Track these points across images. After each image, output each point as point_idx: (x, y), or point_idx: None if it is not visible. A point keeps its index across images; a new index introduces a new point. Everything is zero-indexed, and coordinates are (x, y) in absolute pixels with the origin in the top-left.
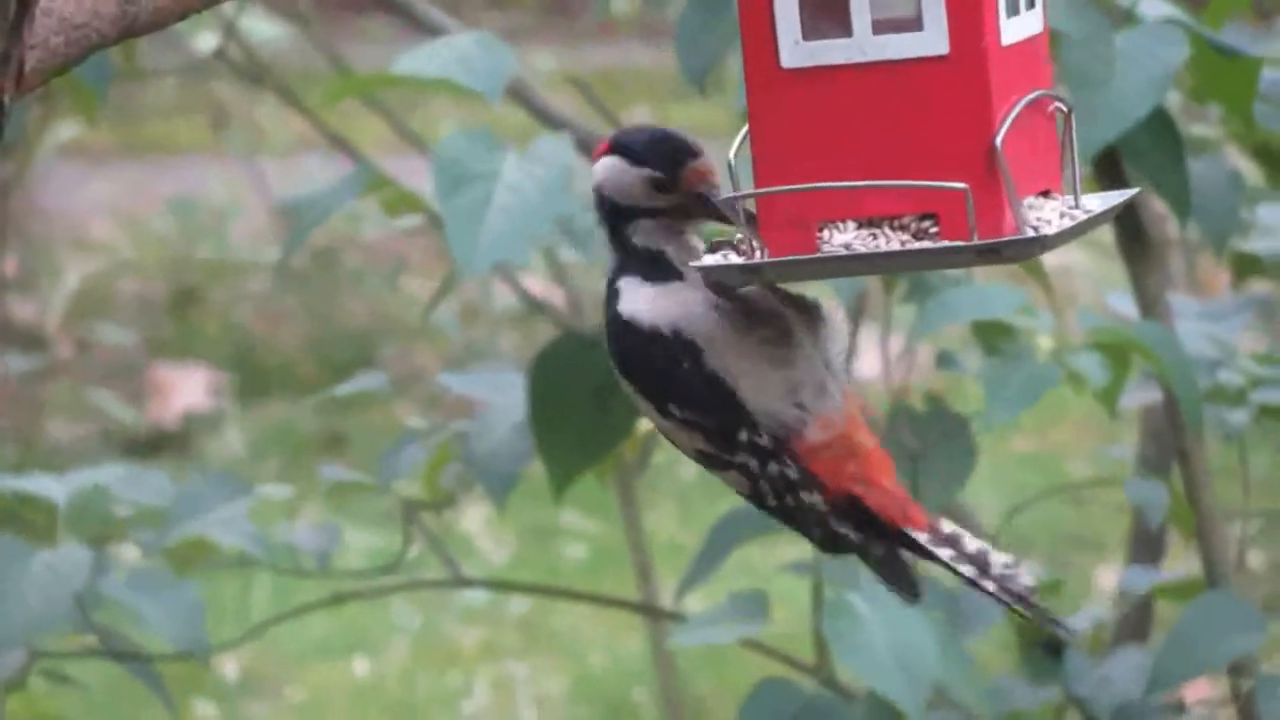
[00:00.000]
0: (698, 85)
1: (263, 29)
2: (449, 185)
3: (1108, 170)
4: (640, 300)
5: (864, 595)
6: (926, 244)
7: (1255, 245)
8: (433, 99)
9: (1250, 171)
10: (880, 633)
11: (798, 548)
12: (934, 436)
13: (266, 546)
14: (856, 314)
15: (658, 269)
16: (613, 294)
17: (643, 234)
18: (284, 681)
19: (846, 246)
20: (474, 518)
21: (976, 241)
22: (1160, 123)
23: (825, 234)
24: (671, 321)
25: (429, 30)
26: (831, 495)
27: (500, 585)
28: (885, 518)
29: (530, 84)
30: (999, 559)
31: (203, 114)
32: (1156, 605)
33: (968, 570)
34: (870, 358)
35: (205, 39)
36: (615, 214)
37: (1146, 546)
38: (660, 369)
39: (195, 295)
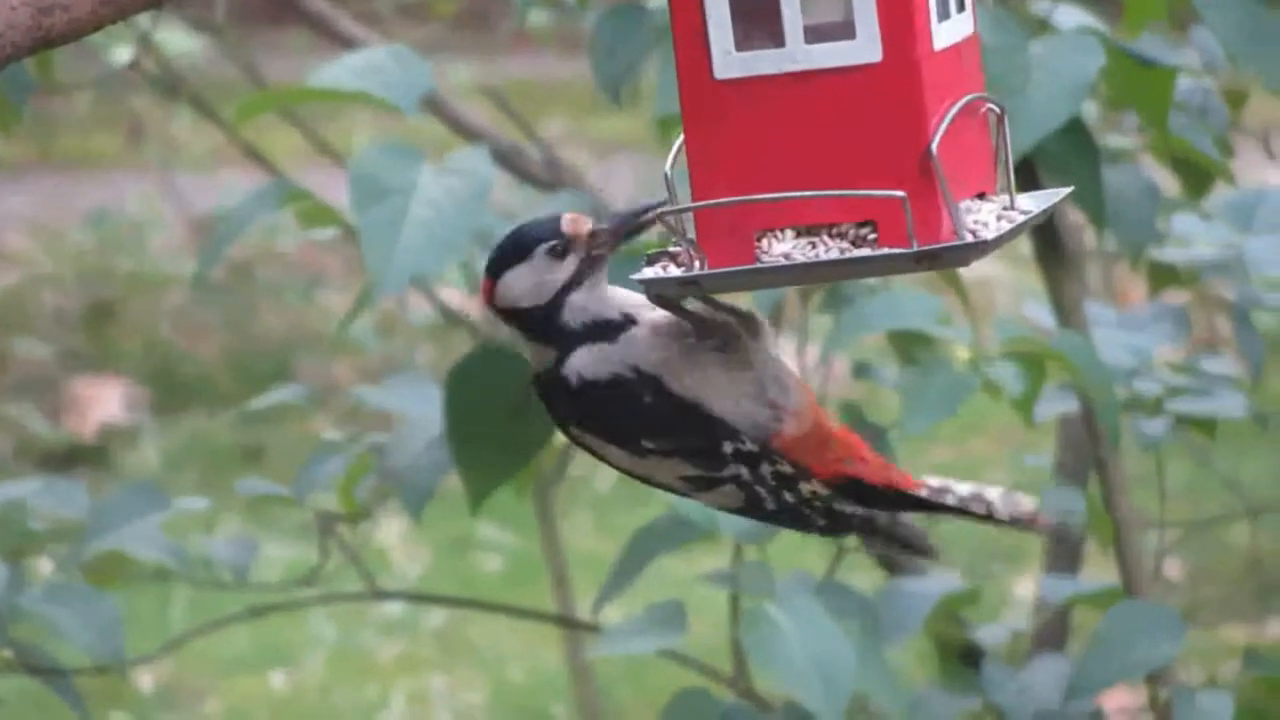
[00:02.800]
0: (613, 97)
1: (178, 41)
2: (365, 199)
3: (1024, 179)
4: (585, 357)
5: (781, 605)
6: (865, 252)
7: (1172, 255)
8: (349, 110)
9: (1166, 181)
10: (798, 642)
11: (715, 558)
12: None
13: (184, 559)
14: (774, 324)
15: (602, 331)
16: (555, 367)
17: (577, 312)
18: (202, 694)
19: (786, 256)
20: (390, 530)
21: (915, 248)
22: (1076, 132)
23: (763, 243)
24: (625, 362)
25: (344, 42)
26: (825, 480)
27: (418, 598)
28: (883, 485)
29: (447, 96)
30: (993, 492)
31: (119, 127)
32: (1075, 614)
33: (978, 508)
34: (786, 359)
35: (121, 51)
36: (545, 317)
37: (1064, 556)
38: (626, 411)
39: (112, 308)
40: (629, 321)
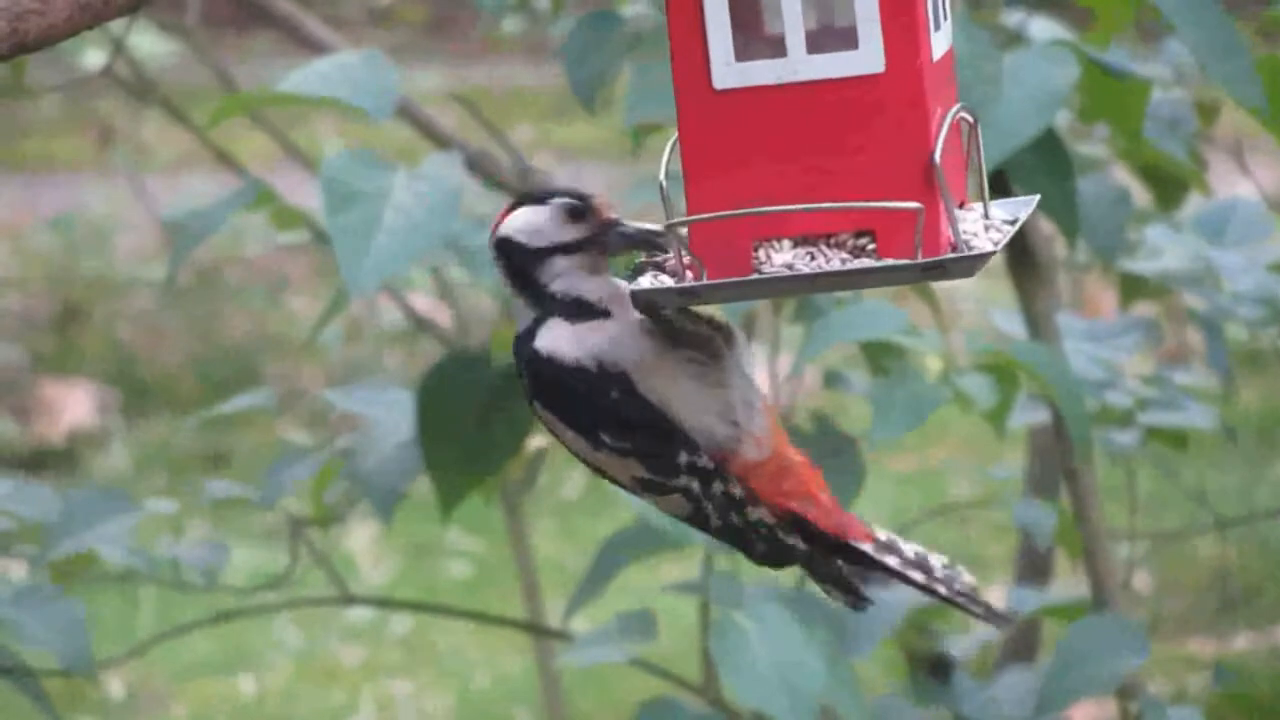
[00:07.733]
0: (588, 103)
1: (148, 45)
2: (337, 204)
3: (995, 190)
4: (561, 337)
5: (750, 614)
6: (870, 262)
7: (1143, 266)
8: (317, 115)
9: (1136, 192)
10: (766, 652)
11: (681, 568)
12: (821, 456)
13: (151, 563)
14: (745, 334)
15: (580, 311)
16: (528, 335)
17: (560, 278)
18: (168, 698)
19: (789, 266)
20: (357, 535)
21: (922, 259)
22: (1049, 144)
23: (761, 254)
24: (597, 353)
25: (312, 47)
26: (773, 511)
27: (386, 603)
28: (830, 533)
29: (416, 102)
30: (936, 561)
31: (86, 130)
32: (1044, 626)
33: (918, 576)
34: (758, 377)
35: (92, 55)
36: (526, 262)
37: (1033, 567)
38: (588, 400)
39: (79, 312)
40: (606, 315)
